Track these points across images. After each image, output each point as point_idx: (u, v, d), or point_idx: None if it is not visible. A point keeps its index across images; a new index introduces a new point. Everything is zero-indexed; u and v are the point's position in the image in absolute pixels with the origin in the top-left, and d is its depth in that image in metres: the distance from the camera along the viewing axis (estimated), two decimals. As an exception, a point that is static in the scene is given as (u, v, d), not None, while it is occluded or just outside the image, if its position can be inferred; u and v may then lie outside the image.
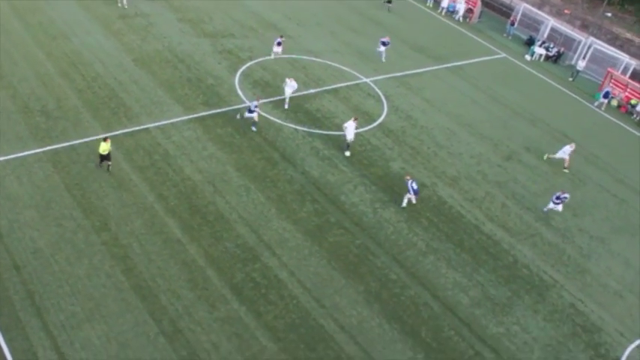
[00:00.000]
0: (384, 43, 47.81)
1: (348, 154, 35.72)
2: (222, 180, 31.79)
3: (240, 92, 39.27)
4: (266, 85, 40.87)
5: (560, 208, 35.20)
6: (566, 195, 34.86)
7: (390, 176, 35.11)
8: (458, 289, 29.37)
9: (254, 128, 35.75)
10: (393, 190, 34.12)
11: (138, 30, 44.44)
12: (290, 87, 38.24)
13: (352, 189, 33.52)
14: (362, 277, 28.60)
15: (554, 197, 35.00)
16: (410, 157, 37.37)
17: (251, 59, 43.71)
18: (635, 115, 50.34)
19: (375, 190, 33.74)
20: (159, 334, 23.86)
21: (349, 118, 37.69)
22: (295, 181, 32.97)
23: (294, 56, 45.60)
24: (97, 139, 31.86)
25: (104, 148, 29.78)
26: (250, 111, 35.30)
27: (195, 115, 36.22)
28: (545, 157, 40.84)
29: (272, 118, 37.41)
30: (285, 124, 37.15)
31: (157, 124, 34.76)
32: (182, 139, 34.05)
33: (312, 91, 41.42)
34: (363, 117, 39.95)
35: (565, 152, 39.82)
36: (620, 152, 44.74)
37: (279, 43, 44.12)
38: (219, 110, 37.15)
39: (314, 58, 45.99)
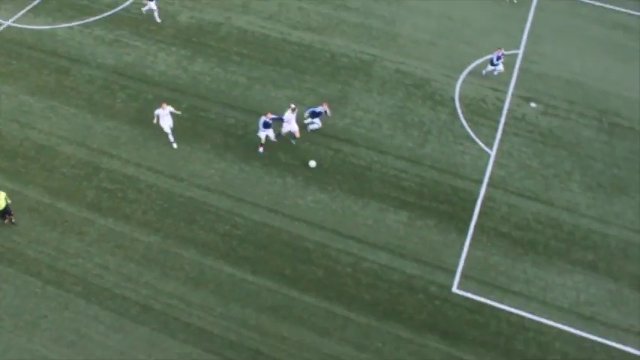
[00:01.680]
0: None
1: None
2: (23, 112, 29.51)
3: (-8, 15, 35.49)
4: (15, -5, 37.06)
5: (501, 67, 31.44)
6: (502, 51, 31.12)
7: (183, 30, 33.89)
8: (302, 108, 29.97)
9: (293, 142, 28.80)
10: (192, 41, 33.14)
11: None
12: (166, 118, 27.55)
13: (154, 59, 32.22)
14: (203, 135, 28.46)
15: (494, 58, 31.19)
16: (193, 2, 35.87)
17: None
18: None
19: (176, 50, 32.65)
20: (44, 285, 23.11)
21: (116, -8, 35.68)
22: (96, 78, 31.16)
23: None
24: None
25: None
26: (266, 125, 27.10)
27: (-41, 60, 32.69)
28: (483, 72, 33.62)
29: (37, 27, 34.32)
30: (55, 26, 34.30)
31: None
32: (-42, 90, 30.91)
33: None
34: (130, -16, 37.53)
35: (496, 67, 33.24)
36: None
37: None
38: (-20, 44, 33.64)
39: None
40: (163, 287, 23.21)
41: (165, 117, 27.52)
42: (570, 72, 33.73)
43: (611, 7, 39.34)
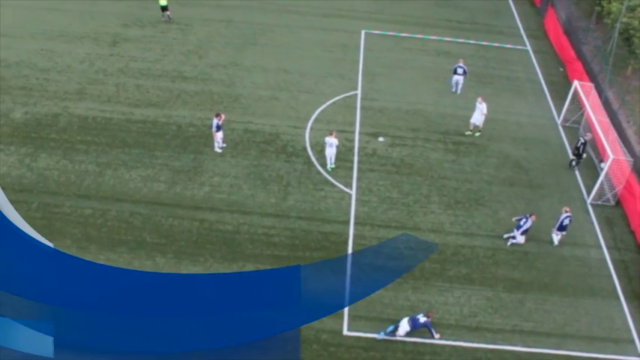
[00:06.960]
0: None
1: None
2: None
3: None
4: None
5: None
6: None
7: (20, 127, 32.32)
8: (159, 184, 29.41)
9: None
10: (31, 137, 31.77)
11: None
12: None
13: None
14: (61, 232, 27.04)
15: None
16: (25, 97, 34.53)
17: None
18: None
19: (16, 149, 31.08)
20: None
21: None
22: None
23: None
24: None
25: None
26: None
27: None
28: (476, 134, 34.07)
29: None
30: None
31: None
32: None
33: None
34: (-49, 91, 35.64)
35: (479, 118, 33.58)
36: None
37: None
38: None
39: None
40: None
41: None
42: (408, 102, 35.63)
43: (431, 37, 42.24)
